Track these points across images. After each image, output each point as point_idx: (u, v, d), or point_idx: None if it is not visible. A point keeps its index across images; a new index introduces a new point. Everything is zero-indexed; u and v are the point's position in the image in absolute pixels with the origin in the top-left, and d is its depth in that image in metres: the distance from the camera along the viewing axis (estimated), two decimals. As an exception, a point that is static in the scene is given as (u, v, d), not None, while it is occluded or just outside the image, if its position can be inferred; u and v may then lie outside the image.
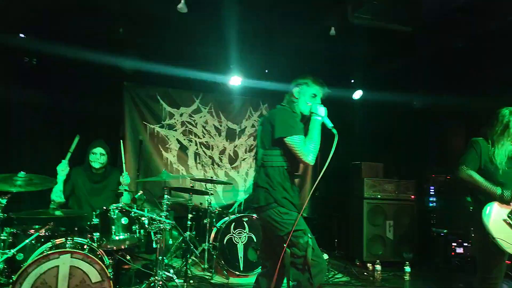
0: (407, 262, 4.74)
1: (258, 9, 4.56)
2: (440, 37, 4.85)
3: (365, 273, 4.88)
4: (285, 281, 2.61)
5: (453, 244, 5.10)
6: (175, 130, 6.28)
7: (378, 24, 4.48)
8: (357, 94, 6.39)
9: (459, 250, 5.09)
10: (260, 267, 3.40)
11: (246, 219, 4.57)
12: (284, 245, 2.45)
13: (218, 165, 6.49)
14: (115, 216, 3.26)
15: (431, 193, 5.68)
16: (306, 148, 2.53)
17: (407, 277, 4.66)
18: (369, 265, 5.11)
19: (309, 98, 2.73)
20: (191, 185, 5.24)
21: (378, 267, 4.65)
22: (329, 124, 2.64)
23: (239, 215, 4.64)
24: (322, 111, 2.65)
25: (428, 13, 4.34)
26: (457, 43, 4.84)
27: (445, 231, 5.23)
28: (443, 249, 5.12)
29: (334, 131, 2.59)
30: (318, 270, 2.45)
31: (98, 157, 3.86)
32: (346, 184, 6.04)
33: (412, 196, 5.51)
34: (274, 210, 2.52)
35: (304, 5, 4.47)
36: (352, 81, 6.58)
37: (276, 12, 4.63)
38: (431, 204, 5.60)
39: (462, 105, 5.24)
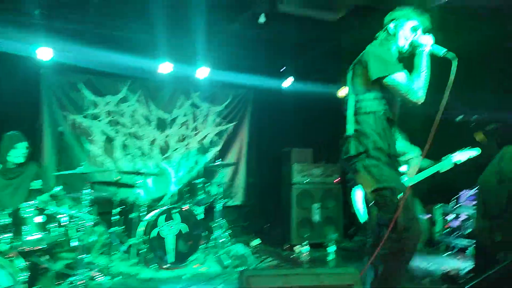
0: (333, 242, 4.99)
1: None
2: (365, 25, 5.05)
3: (292, 256, 5.04)
4: None
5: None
6: (100, 121, 5.93)
7: (305, 12, 4.58)
8: (288, 81, 6.52)
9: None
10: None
11: (177, 210, 4.48)
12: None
13: (148, 156, 6.28)
14: (29, 215, 3.03)
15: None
16: (414, 84, 2.19)
17: (331, 257, 4.91)
18: (296, 247, 5.29)
19: (410, 33, 2.37)
20: (118, 177, 5.01)
21: (304, 248, 4.84)
22: (441, 51, 2.25)
23: (168, 206, 4.54)
24: (428, 40, 2.29)
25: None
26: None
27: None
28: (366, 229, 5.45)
29: (450, 55, 2.20)
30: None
31: (23, 151, 3.60)
32: (278, 170, 6.17)
33: (335, 180, 5.76)
34: (363, 162, 2.23)
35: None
36: (283, 68, 6.69)
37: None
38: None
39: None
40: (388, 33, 2.45)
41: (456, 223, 5.24)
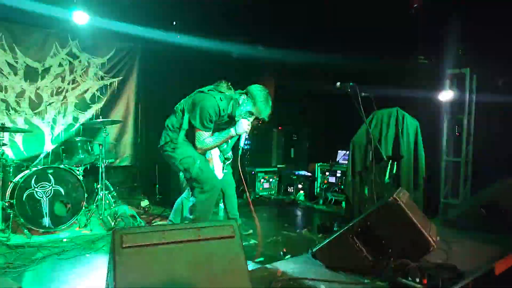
0: (221, 200, 5.10)
1: None
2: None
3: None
4: None
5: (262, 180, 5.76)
6: None
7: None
8: (179, 36, 6.21)
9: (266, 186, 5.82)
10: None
11: (52, 170, 4.01)
12: None
13: (15, 110, 5.44)
14: None
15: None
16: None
17: (221, 213, 5.02)
18: None
19: (244, 113, 3.17)
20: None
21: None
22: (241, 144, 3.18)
23: (43, 166, 4.03)
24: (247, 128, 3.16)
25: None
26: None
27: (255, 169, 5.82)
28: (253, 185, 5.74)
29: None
30: None
31: None
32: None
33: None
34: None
35: None
36: (174, 23, 6.32)
37: None
38: (245, 147, 6.10)
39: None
40: (236, 99, 3.22)
41: (332, 179, 5.83)
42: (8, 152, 4.91)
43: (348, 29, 5.24)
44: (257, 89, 3.14)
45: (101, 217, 4.24)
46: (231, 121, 3.26)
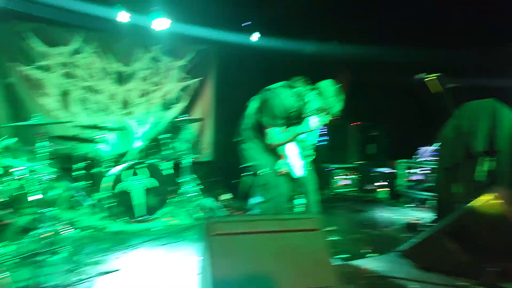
0: (302, 196, 5.08)
1: None
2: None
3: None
4: None
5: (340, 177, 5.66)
6: (53, 72, 5.50)
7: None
8: (255, 36, 6.33)
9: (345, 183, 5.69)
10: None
11: (143, 165, 4.36)
12: None
13: (109, 111, 5.97)
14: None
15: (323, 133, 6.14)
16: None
17: (302, 209, 5.00)
18: None
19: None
20: (78, 133, 4.75)
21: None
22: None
23: (136, 161, 4.39)
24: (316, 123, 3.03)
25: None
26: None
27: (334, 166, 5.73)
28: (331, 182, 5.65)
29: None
30: None
31: None
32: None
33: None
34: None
35: None
36: (248, 23, 6.46)
37: None
38: (323, 143, 6.04)
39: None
40: (306, 94, 3.08)
41: (417, 177, 5.51)
42: (106, 148, 5.40)
43: (430, 19, 4.92)
44: (327, 84, 3.04)
45: (187, 209, 4.50)
46: (302, 117, 3.16)
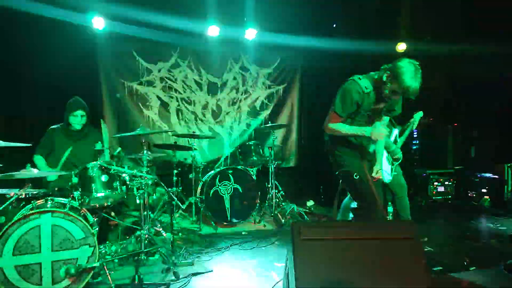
0: (390, 203, 4.84)
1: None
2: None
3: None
4: None
5: (435, 183, 5.23)
6: (155, 87, 6.09)
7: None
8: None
9: (441, 189, 5.24)
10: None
11: (231, 171, 4.56)
12: None
13: (202, 121, 6.39)
14: (94, 174, 3.20)
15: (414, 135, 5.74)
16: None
17: (390, 217, 4.77)
18: None
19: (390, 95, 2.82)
20: (174, 142, 5.17)
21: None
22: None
23: (224, 167, 4.62)
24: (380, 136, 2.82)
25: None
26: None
27: (427, 171, 5.32)
28: (425, 189, 5.25)
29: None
30: None
31: (79, 119, 3.77)
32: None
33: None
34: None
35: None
36: (334, 25, 6.38)
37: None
38: (414, 147, 5.66)
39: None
40: (380, 76, 2.82)
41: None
42: (197, 155, 5.80)
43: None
44: (403, 63, 2.70)
45: (272, 214, 4.59)
46: (380, 104, 2.91)
